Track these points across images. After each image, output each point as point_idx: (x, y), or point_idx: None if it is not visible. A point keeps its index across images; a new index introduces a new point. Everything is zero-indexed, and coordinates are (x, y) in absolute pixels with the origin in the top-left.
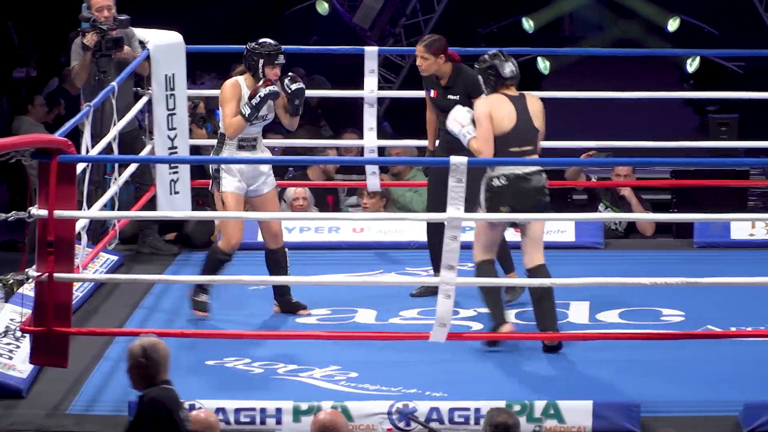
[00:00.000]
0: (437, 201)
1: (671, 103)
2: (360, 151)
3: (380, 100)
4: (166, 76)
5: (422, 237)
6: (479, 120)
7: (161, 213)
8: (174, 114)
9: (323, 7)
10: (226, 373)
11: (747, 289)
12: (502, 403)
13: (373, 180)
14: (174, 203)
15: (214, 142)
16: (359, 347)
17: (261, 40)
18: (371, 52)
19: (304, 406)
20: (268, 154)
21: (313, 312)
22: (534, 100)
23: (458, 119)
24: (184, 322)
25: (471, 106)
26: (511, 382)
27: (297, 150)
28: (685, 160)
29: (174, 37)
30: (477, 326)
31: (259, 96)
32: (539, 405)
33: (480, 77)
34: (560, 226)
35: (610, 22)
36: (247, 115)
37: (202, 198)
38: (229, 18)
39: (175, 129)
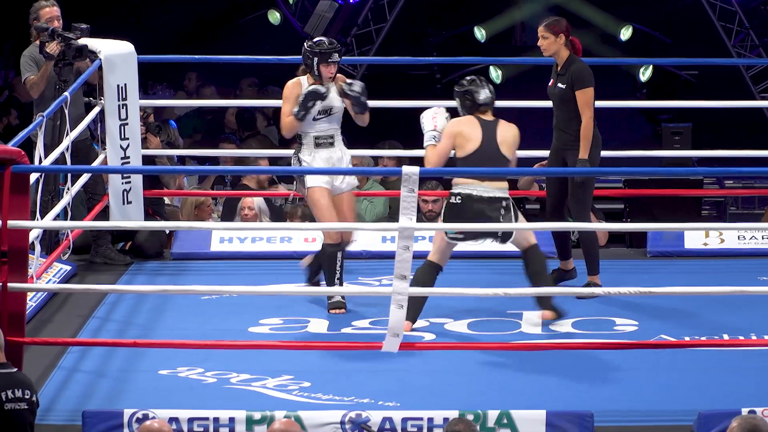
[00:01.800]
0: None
1: (624, 112)
2: None
3: None
4: (118, 86)
5: (374, 247)
6: (443, 136)
7: (114, 223)
8: (126, 124)
9: (275, 17)
10: (180, 383)
11: (701, 298)
12: (455, 413)
13: None
14: (127, 213)
15: (168, 152)
16: (312, 357)
17: (316, 39)
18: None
19: (257, 415)
20: (346, 153)
21: (266, 322)
22: (507, 127)
23: (437, 120)
24: (136, 332)
25: (574, 98)
26: (464, 392)
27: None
28: (638, 169)
29: (125, 47)
30: (429, 336)
31: (303, 95)
32: (492, 414)
33: (458, 100)
34: None
35: None
36: (295, 113)
37: (154, 208)
38: (182, 28)
39: (127, 139)
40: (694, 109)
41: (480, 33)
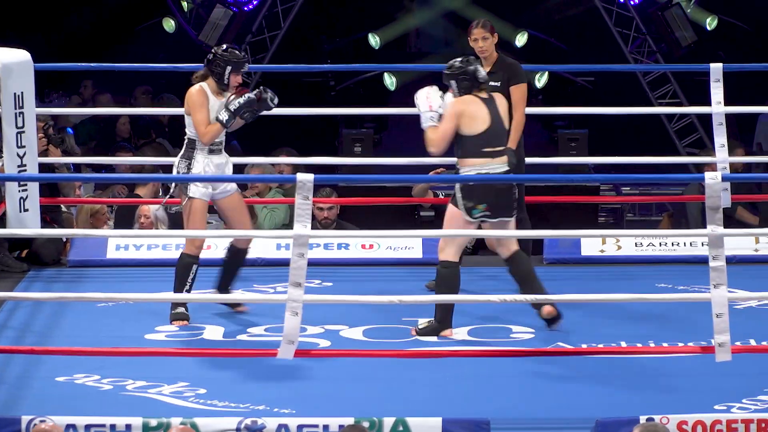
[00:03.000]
0: None
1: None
2: None
3: None
4: (14, 94)
5: (269, 254)
6: (447, 117)
7: (10, 230)
8: (23, 132)
9: (170, 25)
10: (76, 390)
11: (597, 305)
12: (350, 420)
13: None
14: (23, 220)
15: (67, 159)
16: (207, 363)
17: (227, 46)
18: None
19: (153, 422)
20: (228, 158)
21: (162, 329)
22: (501, 100)
23: (431, 99)
24: (34, 339)
25: (509, 94)
26: (360, 399)
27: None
28: (534, 176)
29: (21, 55)
30: (324, 343)
31: (239, 102)
32: (388, 422)
33: (453, 82)
34: (407, 243)
35: (456, 37)
36: (225, 121)
37: (52, 215)
38: (77, 35)
39: (24, 147)
40: (590, 116)
41: (374, 40)
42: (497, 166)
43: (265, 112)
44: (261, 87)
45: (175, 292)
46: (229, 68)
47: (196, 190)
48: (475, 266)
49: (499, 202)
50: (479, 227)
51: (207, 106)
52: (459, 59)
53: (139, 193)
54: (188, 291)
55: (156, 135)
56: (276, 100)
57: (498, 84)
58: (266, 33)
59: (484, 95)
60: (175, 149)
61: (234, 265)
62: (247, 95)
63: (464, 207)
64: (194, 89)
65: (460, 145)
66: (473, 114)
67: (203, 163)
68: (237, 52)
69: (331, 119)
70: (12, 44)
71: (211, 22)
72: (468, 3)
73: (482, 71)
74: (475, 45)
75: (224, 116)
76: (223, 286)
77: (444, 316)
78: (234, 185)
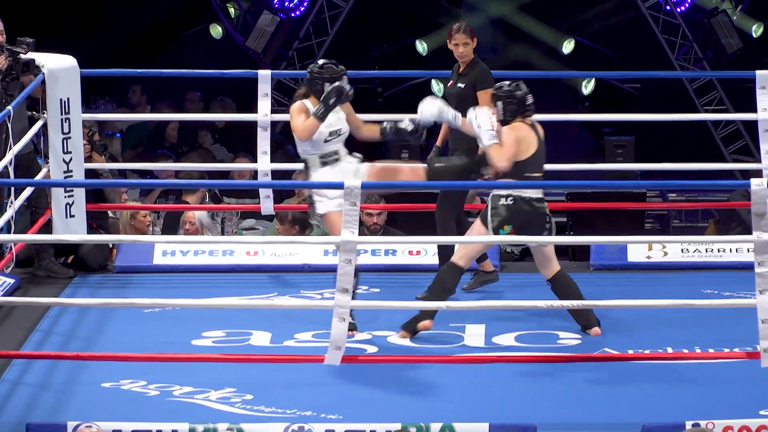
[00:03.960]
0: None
1: (567, 126)
2: (253, 175)
3: (274, 123)
4: (61, 100)
5: (316, 260)
6: (511, 143)
7: (57, 236)
8: (69, 138)
9: (217, 31)
10: (122, 396)
11: (644, 311)
12: (397, 426)
13: (266, 204)
14: (69, 226)
15: (111, 165)
16: (254, 369)
17: (323, 62)
18: (264, 75)
19: (200, 428)
20: (356, 160)
21: (209, 334)
22: (540, 128)
23: (493, 120)
24: (79, 344)
25: (475, 98)
26: (406, 405)
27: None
28: (581, 182)
29: (68, 61)
30: (372, 349)
31: (326, 93)
32: (435, 427)
33: (500, 104)
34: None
35: (504, 44)
36: (315, 113)
37: (97, 221)
38: (124, 42)
39: (70, 153)
40: (636, 122)
41: (422, 46)
42: (534, 191)
43: None
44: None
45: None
46: (327, 84)
47: (323, 206)
48: (522, 272)
49: (528, 226)
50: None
51: (306, 113)
52: (508, 82)
53: (187, 199)
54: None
55: (213, 140)
56: (408, 123)
57: (462, 86)
58: (313, 39)
59: (528, 121)
60: (230, 154)
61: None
62: (338, 84)
63: (491, 225)
64: (295, 105)
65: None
66: (528, 140)
67: (324, 178)
68: (333, 66)
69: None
70: (59, 50)
71: (258, 29)
72: (515, 10)
73: (530, 97)
74: (455, 49)
75: (320, 109)
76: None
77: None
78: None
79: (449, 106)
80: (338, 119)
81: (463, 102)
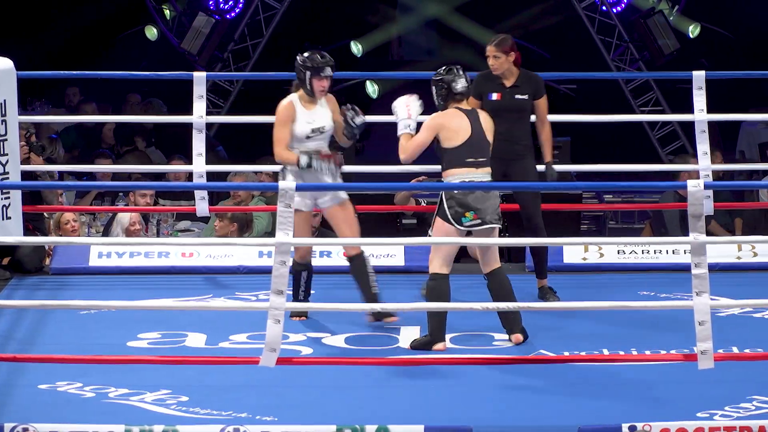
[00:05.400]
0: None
1: None
2: (188, 176)
3: (209, 125)
4: None
5: (252, 262)
6: (424, 128)
7: None
8: (5, 140)
9: (152, 33)
10: (59, 397)
11: (579, 313)
12: (332, 428)
13: (202, 205)
14: (6, 228)
15: (49, 167)
16: (190, 371)
17: (308, 53)
18: (199, 77)
19: (135, 430)
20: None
21: (144, 336)
22: (485, 115)
23: (411, 108)
24: (16, 346)
25: (532, 106)
26: (342, 407)
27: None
28: (516, 184)
29: (4, 63)
30: (307, 351)
31: (307, 159)
32: (370, 429)
33: (433, 89)
34: (390, 251)
35: (439, 46)
36: (300, 165)
37: (34, 223)
38: (60, 44)
39: (6, 155)
40: (572, 123)
41: (356, 48)
42: (481, 176)
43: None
44: (348, 108)
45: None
46: (308, 73)
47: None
48: (457, 274)
49: (486, 209)
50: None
51: (290, 124)
52: (445, 67)
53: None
54: (303, 297)
55: (146, 143)
56: (358, 120)
57: (525, 97)
58: (249, 41)
59: (465, 107)
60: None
61: (359, 273)
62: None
63: (452, 216)
64: (282, 104)
65: (444, 158)
66: (454, 127)
67: (298, 179)
68: (318, 56)
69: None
70: None
71: (193, 30)
72: (451, 11)
73: (462, 83)
74: (488, 61)
75: (303, 161)
76: (369, 297)
77: (436, 329)
78: (340, 195)
79: (419, 108)
80: (323, 116)
81: (525, 113)
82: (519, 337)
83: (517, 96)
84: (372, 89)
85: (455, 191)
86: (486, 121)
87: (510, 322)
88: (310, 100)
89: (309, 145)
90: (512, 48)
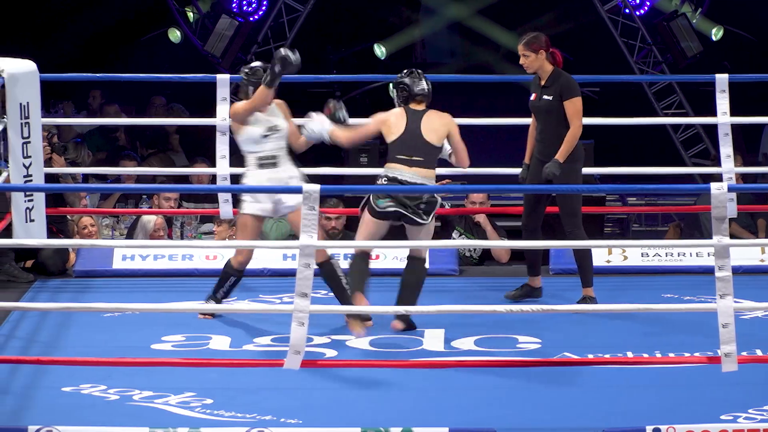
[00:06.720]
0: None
1: (526, 129)
2: (212, 179)
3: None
4: (20, 104)
5: (275, 264)
6: (373, 120)
7: (17, 241)
8: (29, 142)
9: (175, 35)
10: (83, 400)
11: (604, 315)
12: (357, 430)
13: (225, 208)
14: (29, 231)
15: (71, 170)
16: (214, 374)
17: (252, 65)
18: (223, 79)
19: None
20: (294, 172)
21: (168, 339)
22: (435, 116)
23: (313, 115)
24: (40, 349)
25: (562, 109)
26: (366, 409)
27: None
28: (539, 186)
29: (28, 66)
30: (331, 353)
31: (273, 63)
32: (395, 431)
33: (394, 91)
34: None
35: (462, 48)
36: (267, 81)
37: (57, 226)
38: (82, 46)
39: (30, 157)
40: (596, 126)
41: (380, 50)
42: (410, 175)
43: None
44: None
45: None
46: (251, 89)
47: (247, 206)
48: (481, 276)
49: (401, 205)
50: (397, 230)
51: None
52: (406, 71)
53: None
54: (222, 297)
55: (167, 147)
56: (339, 114)
57: (550, 98)
58: (272, 43)
59: (417, 107)
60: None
61: (330, 279)
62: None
63: (372, 198)
64: (236, 104)
65: (387, 153)
66: (391, 124)
67: (255, 180)
68: (260, 70)
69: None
70: (18, 54)
71: (216, 33)
72: (473, 14)
73: (421, 85)
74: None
75: (266, 76)
76: (345, 301)
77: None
78: (299, 201)
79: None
80: (275, 116)
81: (552, 114)
82: (397, 324)
83: (545, 97)
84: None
85: (379, 183)
86: (433, 121)
87: (401, 300)
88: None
89: (266, 147)
90: (543, 46)
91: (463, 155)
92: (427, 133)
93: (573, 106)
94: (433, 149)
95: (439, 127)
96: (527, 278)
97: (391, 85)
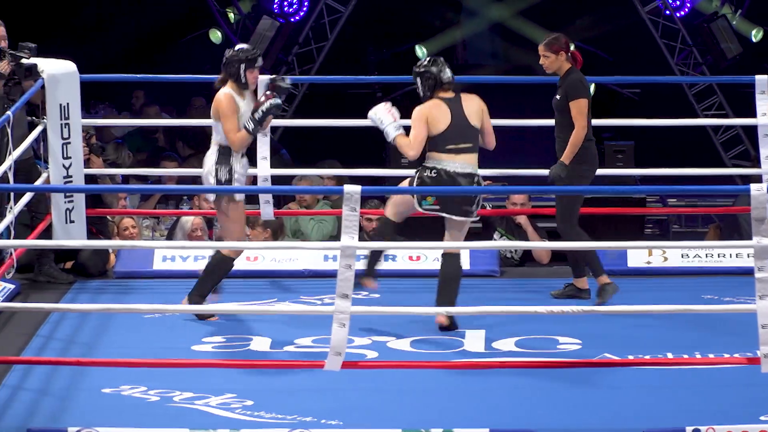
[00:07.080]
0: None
1: None
2: (252, 180)
3: (274, 129)
4: (60, 105)
5: (316, 265)
6: (415, 123)
7: (57, 242)
8: (69, 143)
9: (216, 36)
10: (123, 401)
11: (644, 317)
12: (398, 431)
13: (266, 209)
14: (69, 232)
15: (111, 171)
16: (255, 375)
17: (238, 46)
18: (264, 80)
19: None
20: (244, 160)
21: (209, 340)
22: (470, 99)
23: (393, 112)
24: (80, 350)
25: (568, 107)
26: (406, 410)
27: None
28: (580, 188)
29: (67, 66)
30: (372, 354)
31: (262, 111)
32: None
33: (418, 80)
34: None
35: (503, 49)
36: (251, 130)
37: (97, 227)
38: (123, 47)
39: (70, 158)
40: (636, 128)
41: (421, 51)
42: (460, 164)
43: (311, 123)
44: (274, 76)
45: (204, 289)
46: (242, 66)
47: (240, 194)
48: (522, 278)
49: (451, 200)
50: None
51: (237, 113)
52: (427, 59)
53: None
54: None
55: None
56: (288, 80)
57: (559, 98)
58: (313, 44)
59: (448, 95)
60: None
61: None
62: (269, 102)
63: (417, 198)
64: (222, 96)
65: (428, 143)
66: (434, 116)
67: (242, 169)
68: (248, 49)
69: (378, 131)
70: (58, 55)
71: (257, 34)
72: (515, 15)
73: (447, 72)
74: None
75: (250, 125)
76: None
77: (370, 266)
78: None
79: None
80: (249, 108)
81: (561, 113)
82: (441, 318)
83: (557, 96)
84: None
85: (426, 175)
86: (470, 105)
87: (440, 296)
88: (241, 93)
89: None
90: (563, 48)
91: (493, 137)
92: (471, 118)
93: (576, 106)
94: (477, 133)
95: (477, 109)
96: (571, 279)
97: (415, 75)
